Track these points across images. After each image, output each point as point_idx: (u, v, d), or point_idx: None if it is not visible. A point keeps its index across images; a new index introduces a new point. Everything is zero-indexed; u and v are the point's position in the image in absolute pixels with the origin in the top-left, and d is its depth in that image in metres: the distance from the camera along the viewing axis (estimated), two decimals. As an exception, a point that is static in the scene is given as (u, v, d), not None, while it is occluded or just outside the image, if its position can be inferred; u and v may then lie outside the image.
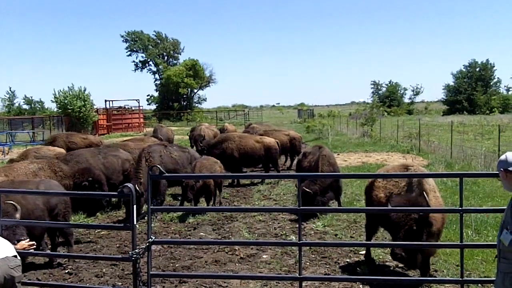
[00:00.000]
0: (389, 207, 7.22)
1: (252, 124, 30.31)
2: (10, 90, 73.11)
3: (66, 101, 43.58)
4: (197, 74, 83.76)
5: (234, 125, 36.38)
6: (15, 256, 5.01)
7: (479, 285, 7.54)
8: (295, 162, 21.32)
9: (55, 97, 44.68)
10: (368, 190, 8.84)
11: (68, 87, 45.26)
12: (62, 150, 15.80)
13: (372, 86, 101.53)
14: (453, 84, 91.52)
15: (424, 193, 7.13)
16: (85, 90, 45.62)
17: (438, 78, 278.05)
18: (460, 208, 6.13)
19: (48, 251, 9.18)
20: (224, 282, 8.00)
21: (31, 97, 71.08)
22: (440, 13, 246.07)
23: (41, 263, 9.13)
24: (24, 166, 10.71)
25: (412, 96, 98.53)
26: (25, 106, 69.93)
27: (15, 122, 45.67)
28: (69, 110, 43.22)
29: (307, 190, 11.70)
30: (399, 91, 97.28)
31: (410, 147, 26.85)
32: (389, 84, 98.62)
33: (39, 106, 70.54)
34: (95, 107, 49.36)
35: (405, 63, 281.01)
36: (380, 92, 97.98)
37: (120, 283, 8.11)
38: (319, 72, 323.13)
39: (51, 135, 24.69)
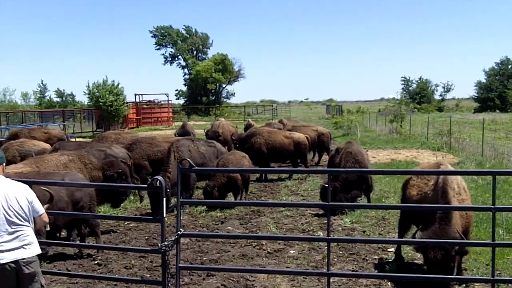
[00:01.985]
0: (417, 205, 7.14)
1: (271, 121, 30.35)
2: (42, 83, 74.26)
3: (98, 94, 43.95)
4: (226, 69, 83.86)
5: (261, 121, 36.37)
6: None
7: (510, 285, 7.42)
8: (323, 157, 21.28)
9: (88, 90, 45.11)
10: (403, 187, 8.79)
11: (103, 80, 45.60)
12: (47, 145, 15.82)
13: (402, 82, 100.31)
14: (484, 81, 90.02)
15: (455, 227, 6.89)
16: (118, 84, 45.96)
17: (469, 75, 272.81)
18: (492, 207, 6.01)
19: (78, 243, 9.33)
20: (251, 276, 8.02)
21: (63, 90, 72.04)
22: (472, 9, 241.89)
23: (71, 254, 9.27)
24: (55, 158, 10.86)
25: (443, 93, 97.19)
26: (56, 99, 70.85)
27: (46, 114, 46.26)
28: (101, 103, 43.60)
29: (325, 185, 11.62)
30: (429, 88, 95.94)
31: (441, 144, 26.52)
32: (419, 81, 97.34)
33: (70, 99, 71.40)
34: (126, 101, 49.75)
35: (435, 60, 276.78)
36: (410, 88, 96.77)
37: (148, 275, 8.18)
38: (348, 67, 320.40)
39: (13, 130, 24.16)
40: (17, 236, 5.10)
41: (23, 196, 5.22)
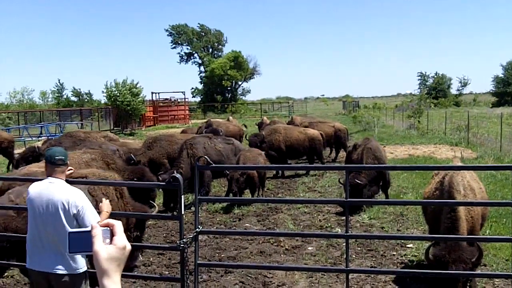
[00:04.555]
0: (434, 201, 7.05)
1: (274, 119, 30.13)
2: (59, 82, 74.67)
3: (116, 93, 43.93)
4: (240, 66, 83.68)
5: (277, 118, 36.26)
6: None
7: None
8: (340, 154, 21.18)
9: (106, 88, 45.14)
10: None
11: (123, 80, 45.58)
12: None
13: (419, 77, 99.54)
14: (502, 75, 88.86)
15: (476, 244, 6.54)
16: (137, 83, 45.93)
17: (487, 69, 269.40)
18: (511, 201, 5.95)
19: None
20: (269, 273, 8.02)
21: (79, 89, 72.57)
22: (488, 3, 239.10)
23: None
24: (77, 155, 10.80)
25: (460, 88, 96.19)
26: (73, 98, 71.43)
27: (64, 113, 46.68)
28: (119, 102, 43.62)
29: (358, 181, 11.57)
30: (446, 83, 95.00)
31: (459, 139, 26.30)
32: (436, 76, 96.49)
33: (87, 98, 71.95)
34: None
35: (452, 55, 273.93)
36: (427, 83, 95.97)
37: (167, 272, 8.23)
38: (365, 63, 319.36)
39: None
40: (48, 247, 4.89)
41: (65, 205, 4.85)
